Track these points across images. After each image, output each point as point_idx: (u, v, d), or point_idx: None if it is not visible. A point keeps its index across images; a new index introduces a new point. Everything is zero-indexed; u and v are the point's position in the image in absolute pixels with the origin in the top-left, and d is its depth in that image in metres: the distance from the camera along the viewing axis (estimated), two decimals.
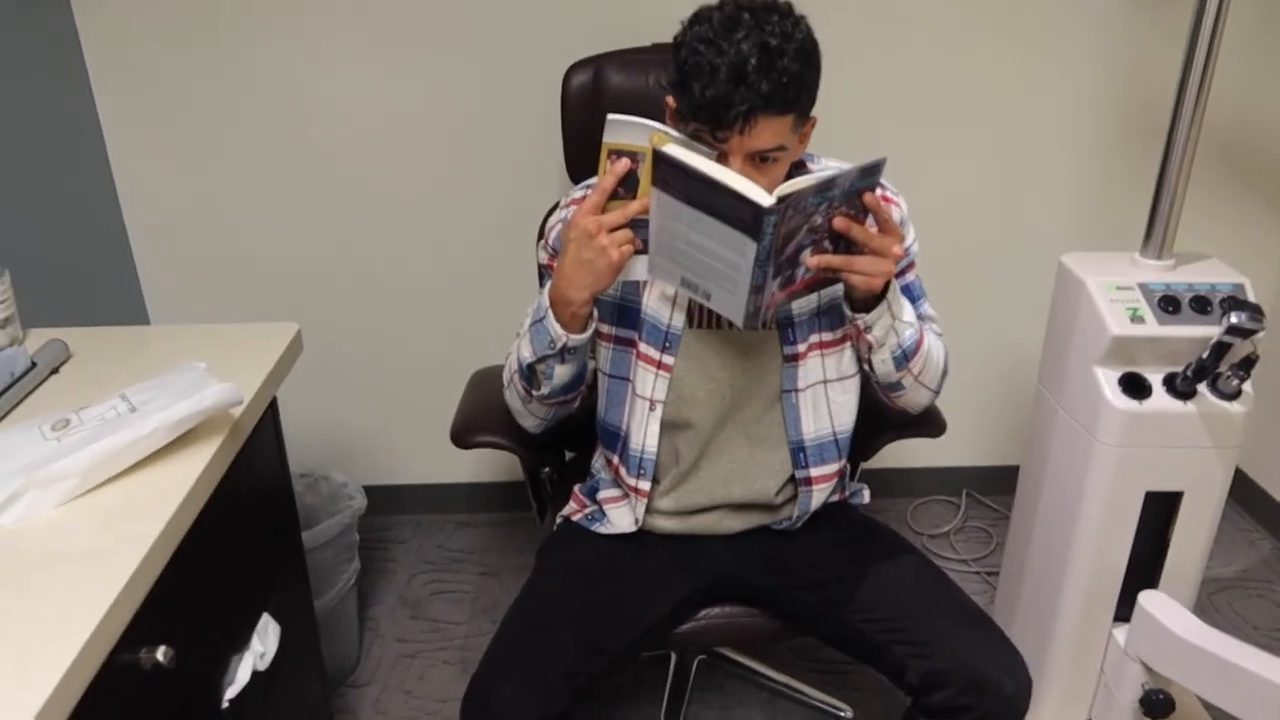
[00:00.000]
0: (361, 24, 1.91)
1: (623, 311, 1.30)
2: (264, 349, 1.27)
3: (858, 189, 1.08)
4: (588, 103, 1.61)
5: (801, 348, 1.28)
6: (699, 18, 1.10)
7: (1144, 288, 1.50)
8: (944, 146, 2.06)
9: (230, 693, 1.14)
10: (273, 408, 1.31)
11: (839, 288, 1.22)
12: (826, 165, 1.28)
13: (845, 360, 1.32)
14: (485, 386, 1.54)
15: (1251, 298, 1.48)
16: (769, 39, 1.05)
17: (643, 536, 1.38)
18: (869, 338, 1.22)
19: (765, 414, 1.32)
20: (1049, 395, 1.64)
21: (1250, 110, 2.06)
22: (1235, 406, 1.47)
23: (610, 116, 1.09)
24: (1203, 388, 1.48)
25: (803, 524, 1.39)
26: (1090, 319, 1.50)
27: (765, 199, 0.98)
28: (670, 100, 1.15)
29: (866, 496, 1.50)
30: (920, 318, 1.28)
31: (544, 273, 1.38)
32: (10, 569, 0.88)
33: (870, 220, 1.12)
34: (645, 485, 1.34)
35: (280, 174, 2.02)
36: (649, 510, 1.37)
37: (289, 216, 2.06)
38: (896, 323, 1.22)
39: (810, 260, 1.11)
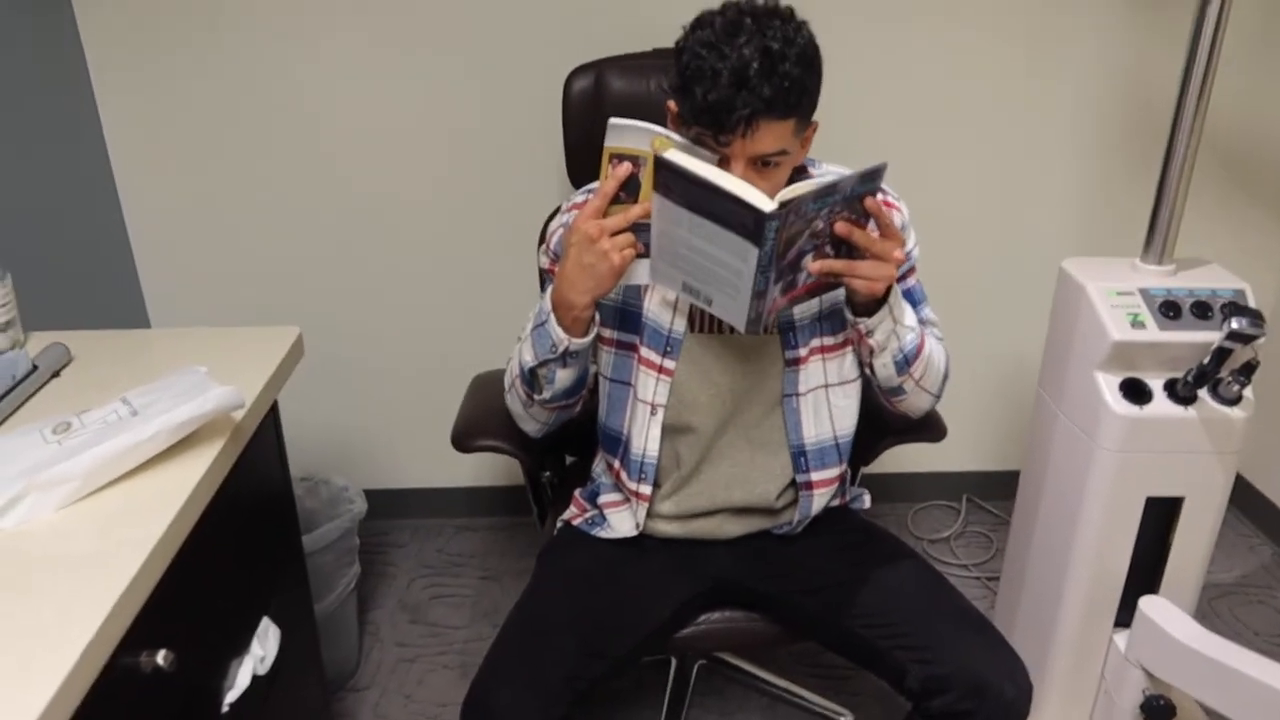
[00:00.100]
0: (363, 28, 1.91)
1: (624, 316, 1.30)
2: (265, 352, 1.27)
3: (859, 194, 1.08)
4: (589, 107, 1.61)
5: (803, 352, 1.28)
6: (701, 22, 1.11)
7: (1145, 293, 1.50)
8: (944, 152, 2.07)
9: (230, 697, 1.13)
10: (274, 411, 1.31)
11: (840, 292, 1.22)
12: (828, 170, 1.28)
13: (846, 365, 1.32)
14: (486, 390, 1.54)
15: (1252, 303, 1.48)
16: (771, 43, 1.06)
17: (643, 541, 1.38)
18: (870, 342, 1.22)
19: (766, 418, 1.32)
20: (1049, 400, 1.64)
21: (1251, 116, 2.06)
22: (1236, 412, 1.47)
23: (612, 120, 1.09)
24: (1203, 393, 1.48)
25: (803, 529, 1.39)
26: (1091, 324, 1.50)
27: (767, 204, 0.98)
28: (672, 105, 1.15)
29: (867, 501, 1.50)
30: (921, 322, 1.28)
31: (545, 277, 1.38)
32: (11, 572, 0.88)
33: (871, 225, 1.12)
34: (646, 489, 1.34)
35: (281, 177, 2.02)
36: (650, 514, 1.37)
37: (290, 220, 2.06)
38: (898, 327, 1.22)
39: (812, 265, 1.11)
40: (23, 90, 1.73)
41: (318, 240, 2.08)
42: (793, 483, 1.36)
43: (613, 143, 1.10)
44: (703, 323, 1.29)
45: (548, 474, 1.58)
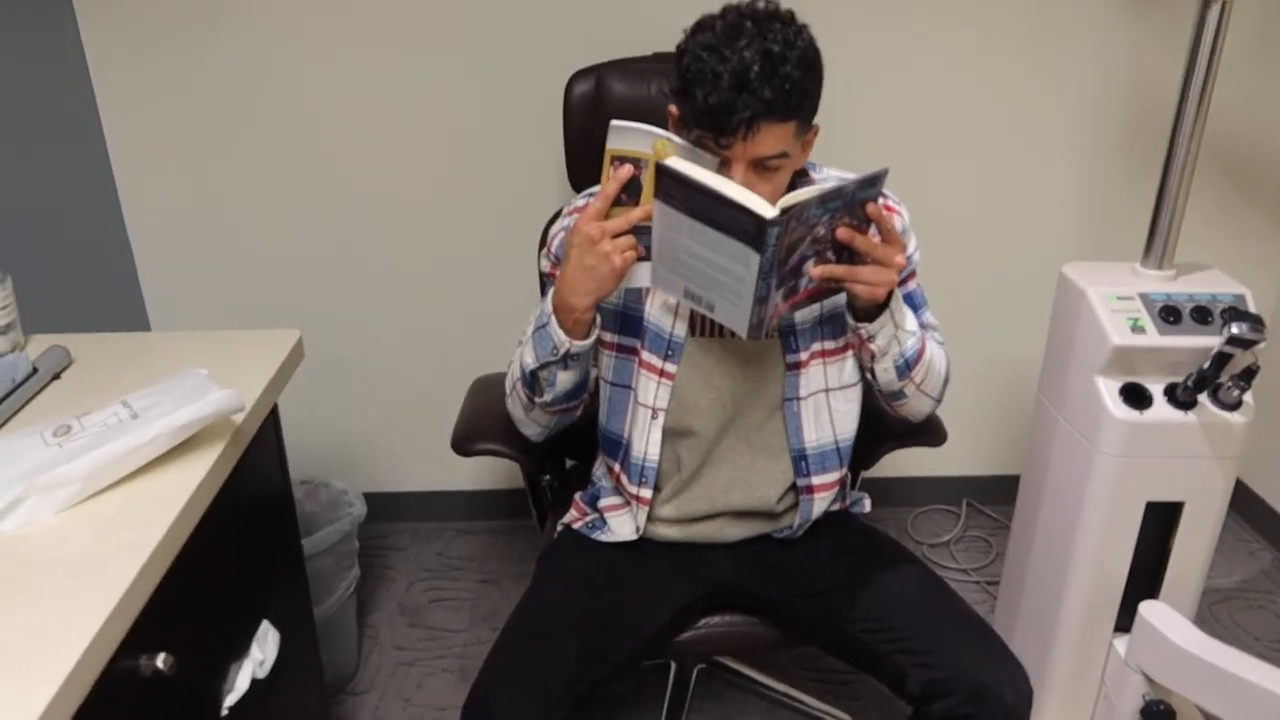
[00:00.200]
0: (363, 28, 1.91)
1: (625, 320, 1.30)
2: (266, 355, 1.27)
3: (860, 199, 1.08)
4: (589, 111, 1.62)
5: (803, 356, 1.28)
6: (702, 26, 1.11)
7: (1145, 298, 1.50)
8: (944, 154, 2.07)
9: (229, 700, 1.13)
10: (274, 414, 1.31)
11: (841, 297, 1.22)
12: (829, 174, 1.28)
13: (847, 368, 1.32)
14: (486, 394, 1.54)
15: (1252, 308, 1.48)
16: (771, 46, 1.06)
17: (643, 544, 1.38)
18: (872, 347, 1.22)
19: (767, 422, 1.32)
20: (1049, 405, 1.64)
21: (1251, 121, 2.07)
22: (1236, 417, 1.47)
23: (613, 123, 1.09)
24: (1203, 398, 1.48)
25: (804, 532, 1.39)
26: (1091, 329, 1.50)
27: (768, 210, 0.98)
28: (673, 108, 1.16)
29: (867, 505, 1.50)
30: (922, 326, 1.28)
31: (545, 281, 1.38)
32: (11, 575, 0.88)
33: (873, 230, 1.12)
34: (647, 493, 1.34)
35: (282, 180, 2.02)
36: (650, 518, 1.37)
37: (290, 220, 2.06)
38: (899, 332, 1.22)
39: (813, 271, 1.11)
40: (23, 90, 1.73)
41: (318, 241, 2.08)
42: (793, 486, 1.36)
43: (614, 145, 1.10)
44: (704, 327, 1.29)
45: (548, 477, 1.58)
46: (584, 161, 1.63)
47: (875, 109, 2.02)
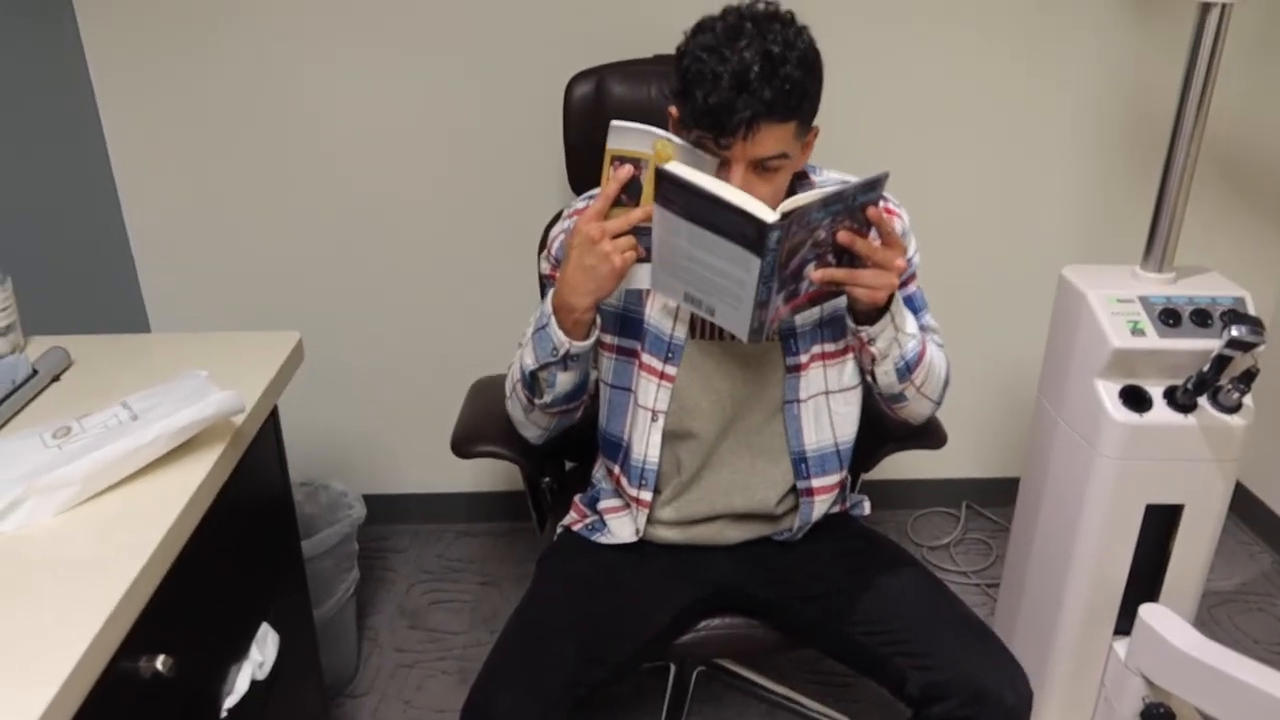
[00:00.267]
0: (363, 28, 1.91)
1: (625, 322, 1.30)
2: (266, 357, 1.27)
3: (861, 203, 1.08)
4: (590, 113, 1.62)
5: (804, 359, 1.28)
6: (702, 27, 1.11)
7: (1145, 301, 1.50)
8: (944, 158, 2.07)
9: (229, 702, 1.13)
10: (274, 416, 1.31)
11: (841, 299, 1.22)
12: (829, 177, 1.29)
13: (847, 371, 1.32)
14: (486, 396, 1.54)
15: (1252, 311, 1.48)
16: (771, 46, 1.06)
17: (643, 547, 1.38)
18: (872, 350, 1.22)
19: (767, 425, 1.32)
20: (1049, 407, 1.64)
21: (1250, 124, 2.07)
22: (1236, 420, 1.47)
23: (614, 123, 1.09)
24: (1203, 401, 1.48)
25: (803, 535, 1.39)
26: (1091, 331, 1.50)
27: (769, 215, 0.98)
28: (673, 110, 1.16)
29: (867, 508, 1.50)
30: (922, 329, 1.29)
31: (545, 283, 1.38)
32: (10, 576, 0.88)
33: (873, 233, 1.13)
34: (647, 495, 1.34)
35: (282, 180, 2.02)
36: (650, 520, 1.37)
37: (290, 223, 2.06)
38: (900, 335, 1.22)
39: (814, 274, 1.11)
40: (23, 90, 1.73)
41: (318, 241, 2.08)
42: (793, 489, 1.35)
43: (614, 145, 1.10)
44: (704, 329, 1.29)
45: (547, 479, 1.57)
46: (584, 163, 1.63)
47: (875, 110, 2.02)
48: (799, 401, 1.30)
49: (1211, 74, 1.46)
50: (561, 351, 1.20)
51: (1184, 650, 1.48)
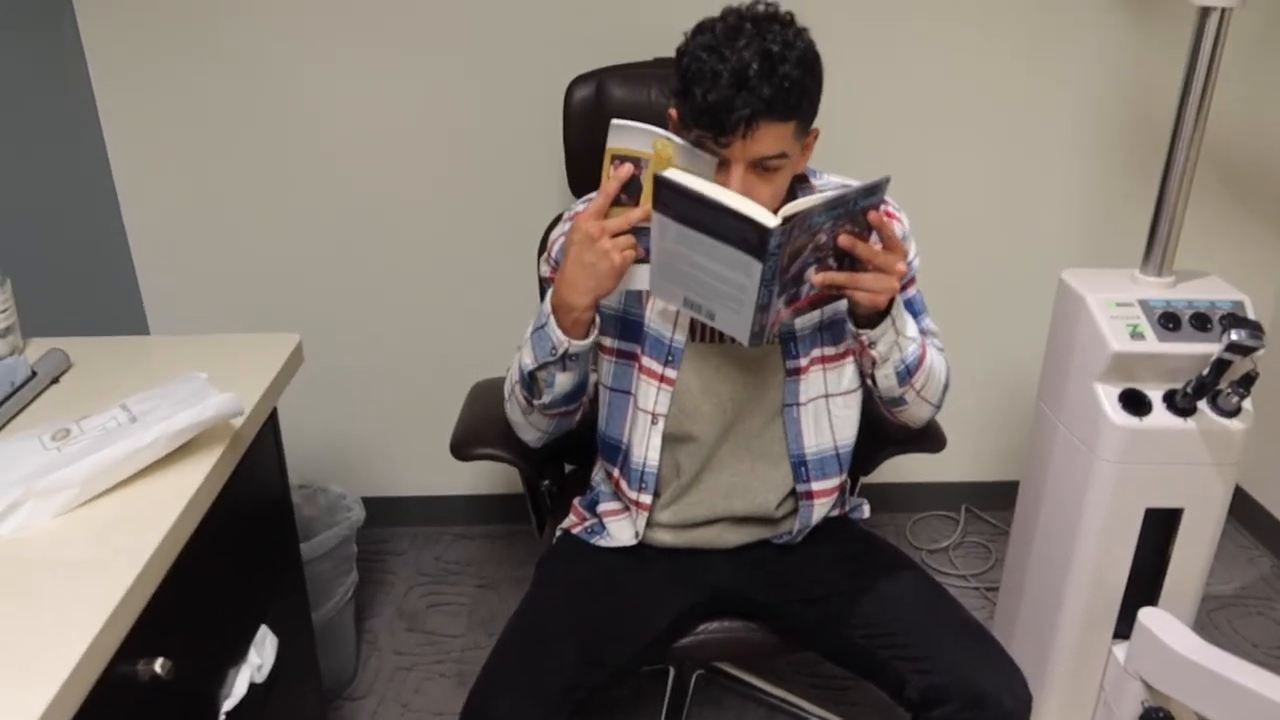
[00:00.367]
0: (362, 28, 1.91)
1: (625, 325, 1.30)
2: (265, 359, 1.27)
3: (862, 207, 1.08)
4: (590, 116, 1.62)
5: (804, 362, 1.28)
6: (702, 28, 1.11)
7: (1144, 304, 1.50)
8: (944, 161, 2.07)
9: (227, 705, 1.13)
10: (273, 418, 1.31)
11: (842, 303, 1.22)
12: (829, 181, 1.29)
13: (847, 374, 1.32)
14: (485, 399, 1.54)
15: (1251, 315, 1.48)
16: (771, 46, 1.06)
17: (642, 550, 1.38)
18: (873, 353, 1.22)
19: (767, 428, 1.32)
20: (1049, 411, 1.64)
21: (1250, 128, 2.07)
22: (1235, 424, 1.47)
23: (614, 121, 1.09)
24: (1203, 405, 1.48)
25: (803, 538, 1.39)
26: (1090, 335, 1.50)
27: (770, 219, 0.98)
28: (673, 112, 1.16)
29: (866, 511, 1.50)
30: (922, 332, 1.29)
31: (545, 286, 1.38)
32: (9, 578, 0.87)
33: (874, 237, 1.13)
34: (646, 499, 1.34)
35: (282, 180, 2.02)
36: (649, 523, 1.37)
37: (290, 223, 2.06)
38: (900, 338, 1.22)
39: (815, 278, 1.11)
40: (22, 91, 1.73)
41: (317, 242, 2.08)
42: (793, 492, 1.35)
43: (615, 144, 1.10)
44: (704, 332, 1.29)
45: (546, 482, 1.57)
46: (584, 166, 1.63)
47: (875, 111, 2.02)
48: (799, 405, 1.30)
49: (1211, 78, 1.46)
50: (560, 351, 1.20)
51: (1183, 654, 1.48)
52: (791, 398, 1.30)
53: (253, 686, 1.17)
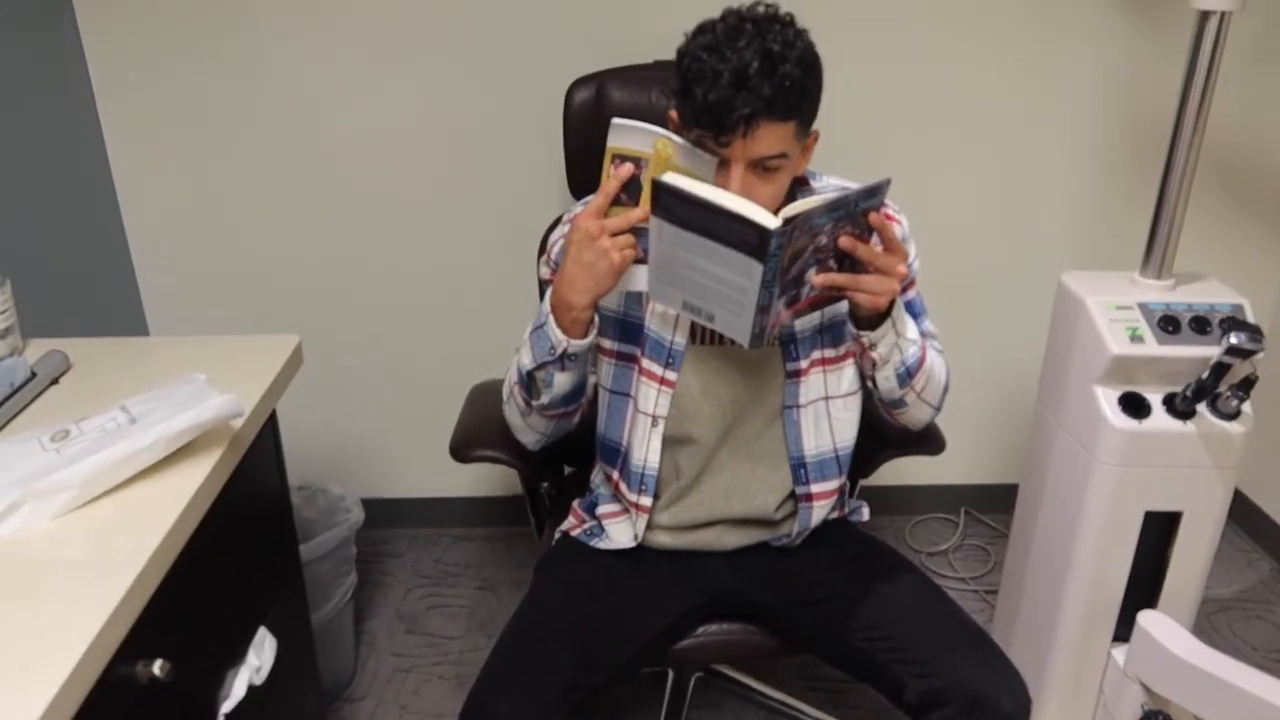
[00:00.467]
0: (363, 29, 1.91)
1: (625, 327, 1.30)
2: (265, 361, 1.27)
3: (863, 208, 1.08)
4: (590, 118, 1.62)
5: (804, 364, 1.28)
6: (702, 29, 1.12)
7: (1143, 307, 1.50)
8: (944, 164, 2.07)
9: (226, 707, 1.13)
10: (272, 420, 1.31)
11: (842, 305, 1.22)
12: (829, 183, 1.29)
13: (847, 377, 1.32)
14: (484, 401, 1.54)
15: (1251, 318, 1.48)
16: (771, 45, 1.07)
17: (642, 552, 1.38)
18: (874, 355, 1.22)
19: (767, 430, 1.32)
20: (1048, 414, 1.64)
21: (1249, 131, 2.07)
22: (1235, 427, 1.47)
23: (615, 121, 1.09)
24: (1202, 408, 1.48)
25: (802, 540, 1.39)
26: (1090, 338, 1.50)
27: (771, 221, 0.98)
28: (673, 113, 1.16)
29: (866, 514, 1.50)
30: (922, 334, 1.29)
31: (544, 288, 1.37)
32: (8, 579, 0.87)
33: (875, 239, 1.13)
34: (646, 501, 1.34)
35: (282, 180, 2.02)
36: (648, 526, 1.37)
37: (290, 223, 2.06)
38: (901, 340, 1.22)
39: (816, 279, 1.11)
40: (22, 91, 1.73)
41: (317, 242, 2.08)
42: (792, 494, 1.35)
43: (615, 143, 1.10)
44: (704, 335, 1.29)
45: (546, 484, 1.57)
46: (584, 167, 1.63)
47: (875, 113, 2.02)
48: (798, 407, 1.30)
49: (1210, 81, 1.46)
50: (559, 350, 1.20)
51: (1183, 657, 1.48)
52: (791, 400, 1.30)
53: (251, 688, 1.17)
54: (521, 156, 2.01)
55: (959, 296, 2.18)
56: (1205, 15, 1.43)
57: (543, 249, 1.49)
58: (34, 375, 1.19)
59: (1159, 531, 1.55)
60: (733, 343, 1.26)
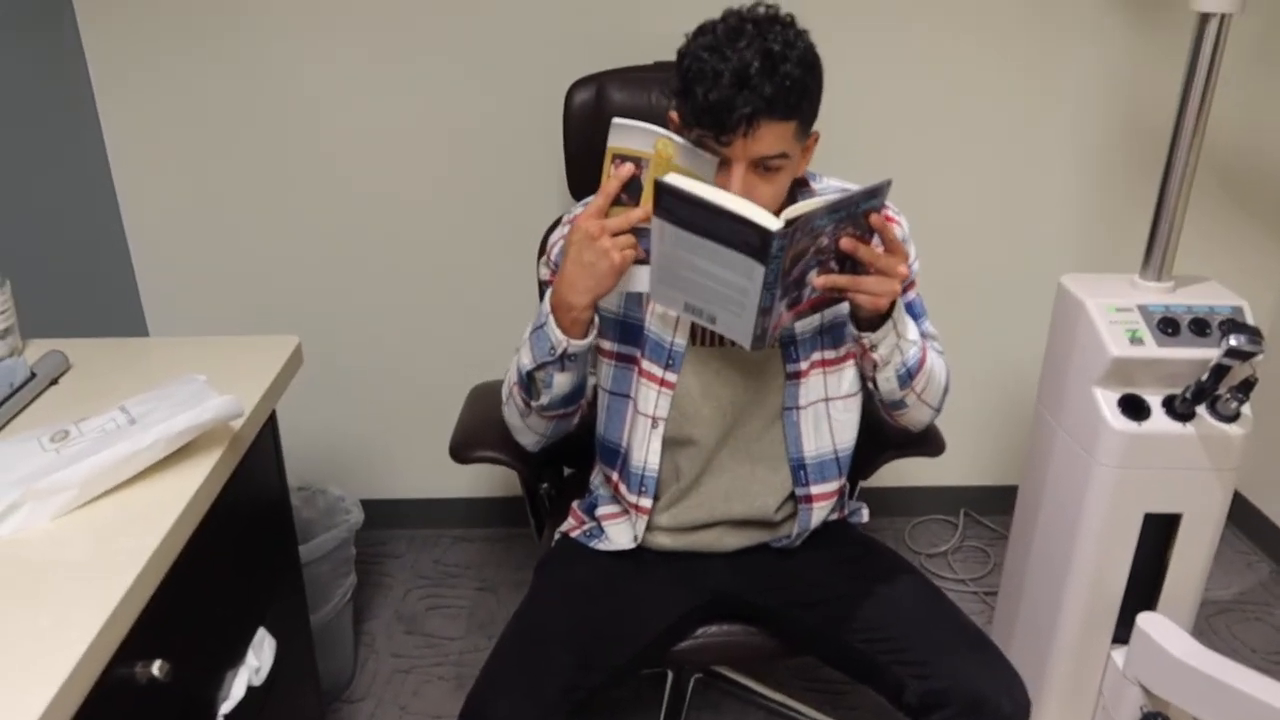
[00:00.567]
0: (363, 29, 1.91)
1: (625, 328, 1.30)
2: (264, 361, 1.27)
3: (863, 210, 1.08)
4: (590, 119, 1.62)
5: (804, 365, 1.28)
6: (703, 29, 1.12)
7: (1143, 309, 1.50)
8: (944, 166, 2.07)
9: (225, 708, 1.13)
10: (272, 420, 1.31)
11: (842, 306, 1.22)
12: (829, 185, 1.29)
13: (847, 378, 1.32)
14: (484, 401, 1.54)
15: (1250, 320, 1.48)
16: (772, 45, 1.07)
17: (642, 553, 1.38)
18: (874, 356, 1.22)
19: (766, 431, 1.32)
20: (1048, 416, 1.64)
21: (1249, 133, 2.07)
22: (1234, 429, 1.47)
23: (615, 121, 1.09)
24: (1202, 410, 1.48)
25: (802, 542, 1.39)
26: (1090, 340, 1.50)
27: (773, 223, 0.98)
28: (674, 114, 1.16)
29: (865, 515, 1.50)
30: (922, 335, 1.29)
31: (544, 289, 1.37)
32: (8, 580, 0.87)
33: (876, 240, 1.13)
34: (646, 502, 1.33)
35: (282, 180, 2.02)
36: (648, 527, 1.37)
37: (290, 223, 2.06)
38: (901, 341, 1.22)
39: (817, 281, 1.11)
40: (23, 91, 1.73)
41: (317, 242, 2.08)
42: (792, 496, 1.35)
43: (615, 143, 1.10)
44: (704, 336, 1.29)
45: (545, 485, 1.57)
46: (584, 168, 1.63)
47: (875, 114, 2.02)
48: (798, 408, 1.30)
49: (1210, 83, 1.46)
50: (559, 350, 1.20)
51: (1182, 659, 1.48)
52: (791, 401, 1.30)
53: (251, 689, 1.17)
54: (521, 157, 2.01)
55: (959, 297, 2.18)
56: (1205, 17, 1.43)
57: (543, 249, 1.49)
58: (34, 375, 1.19)
59: (1158, 533, 1.55)
60: (733, 344, 1.26)
